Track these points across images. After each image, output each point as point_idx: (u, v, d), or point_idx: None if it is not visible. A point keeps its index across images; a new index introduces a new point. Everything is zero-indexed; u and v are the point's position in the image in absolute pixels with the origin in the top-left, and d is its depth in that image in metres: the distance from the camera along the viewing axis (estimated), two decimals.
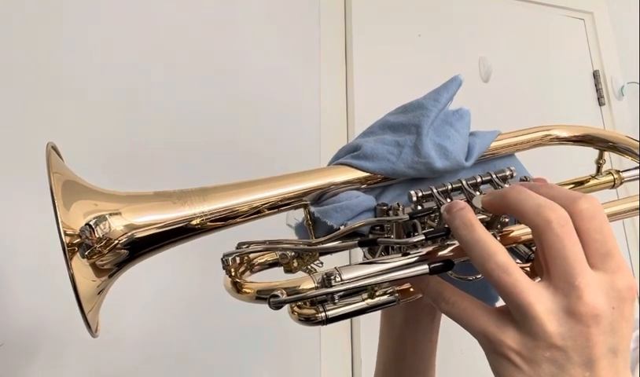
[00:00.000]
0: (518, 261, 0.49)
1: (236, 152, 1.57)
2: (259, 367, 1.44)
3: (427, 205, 0.48)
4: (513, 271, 0.37)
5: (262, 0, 1.77)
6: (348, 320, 1.58)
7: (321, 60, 1.79)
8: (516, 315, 0.38)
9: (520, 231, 0.46)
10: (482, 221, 0.43)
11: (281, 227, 1.46)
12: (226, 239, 0.54)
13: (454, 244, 0.44)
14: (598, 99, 2.16)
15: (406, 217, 0.46)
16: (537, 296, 0.37)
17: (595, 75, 2.18)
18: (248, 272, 0.52)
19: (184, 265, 1.42)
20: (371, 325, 1.39)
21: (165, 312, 1.39)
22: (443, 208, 0.44)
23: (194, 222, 0.47)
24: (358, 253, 0.54)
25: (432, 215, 0.49)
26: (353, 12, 1.89)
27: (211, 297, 1.41)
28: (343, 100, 1.80)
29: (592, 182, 0.65)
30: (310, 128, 1.70)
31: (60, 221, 0.40)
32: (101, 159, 1.38)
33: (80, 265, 0.41)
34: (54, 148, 0.46)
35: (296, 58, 1.76)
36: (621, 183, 0.65)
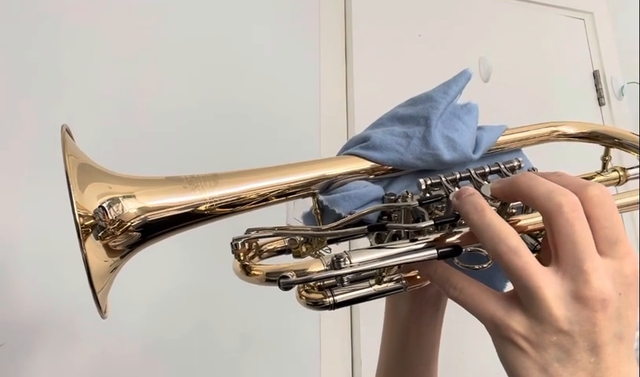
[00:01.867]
0: None
1: (235, 152, 1.57)
2: (259, 367, 1.45)
3: (435, 193, 0.48)
4: (524, 253, 0.38)
5: (262, 2, 1.77)
6: (349, 320, 1.59)
7: (322, 59, 1.80)
8: (524, 299, 0.38)
9: (527, 220, 0.46)
10: None
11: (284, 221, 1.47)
12: (231, 234, 0.54)
13: (463, 230, 0.44)
14: (598, 99, 2.17)
15: (415, 203, 0.46)
16: (546, 280, 0.37)
17: (595, 75, 2.19)
18: (256, 259, 0.53)
19: (187, 264, 1.43)
20: (371, 325, 1.40)
21: (166, 311, 1.39)
22: (452, 195, 0.44)
23: (203, 208, 0.47)
24: (362, 245, 0.55)
25: (440, 205, 0.49)
26: (353, 12, 1.89)
27: (212, 296, 1.42)
28: (344, 100, 1.80)
29: (597, 179, 0.65)
30: (310, 128, 1.71)
31: (74, 202, 0.40)
32: (98, 157, 1.38)
33: (93, 245, 0.41)
34: (68, 131, 0.46)
35: (295, 58, 1.77)
36: (627, 180, 0.66)
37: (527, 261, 0.38)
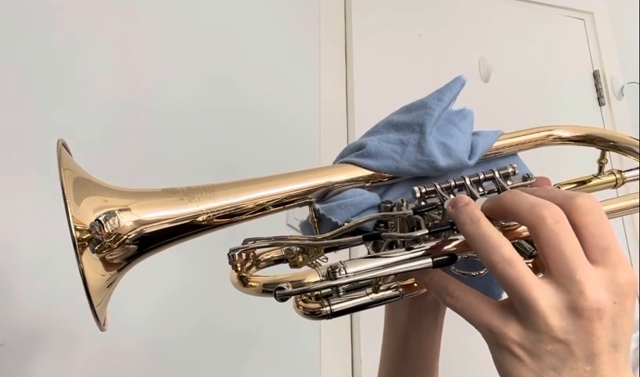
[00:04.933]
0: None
1: (236, 152, 1.57)
2: (259, 367, 1.45)
3: (430, 201, 0.48)
4: (518, 264, 0.38)
5: (262, 1, 1.77)
6: (349, 321, 1.59)
7: (321, 60, 1.80)
8: (520, 308, 0.38)
9: (523, 227, 0.47)
10: None
11: (283, 229, 1.47)
12: (230, 241, 0.54)
13: (458, 239, 0.45)
14: (598, 99, 2.16)
15: (410, 212, 0.47)
16: (540, 291, 0.37)
17: (595, 75, 2.19)
18: (253, 269, 0.53)
19: (186, 266, 1.43)
20: (371, 325, 1.40)
21: (166, 313, 1.40)
22: (446, 203, 0.44)
23: (200, 219, 0.48)
24: (361, 252, 0.55)
25: (436, 211, 0.49)
26: (353, 13, 1.89)
27: (212, 298, 1.42)
28: (343, 100, 1.81)
29: (594, 182, 0.65)
30: (310, 128, 1.71)
31: (70, 216, 0.40)
32: (99, 160, 1.38)
33: (90, 259, 0.42)
34: (64, 145, 0.47)
35: (296, 58, 1.77)
36: (623, 183, 0.66)
37: (521, 270, 0.38)
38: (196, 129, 1.55)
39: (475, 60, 2.01)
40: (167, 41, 1.60)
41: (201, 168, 1.50)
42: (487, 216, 0.44)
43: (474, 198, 0.48)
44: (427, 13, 2.03)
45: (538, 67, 2.10)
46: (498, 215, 0.44)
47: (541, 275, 0.39)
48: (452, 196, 0.49)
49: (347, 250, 0.59)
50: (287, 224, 1.46)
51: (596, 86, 2.18)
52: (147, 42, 1.58)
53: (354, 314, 1.57)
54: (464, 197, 0.44)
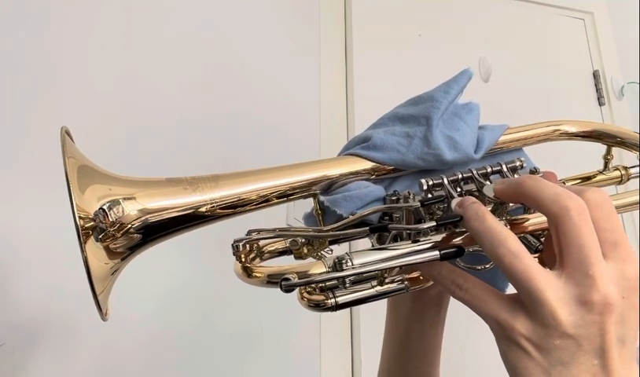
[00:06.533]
0: None
1: (236, 153, 1.57)
2: (260, 367, 1.44)
3: (437, 193, 0.48)
4: (524, 256, 0.38)
5: (262, 1, 1.77)
6: (349, 320, 1.58)
7: (321, 59, 1.79)
8: (527, 302, 0.38)
9: (530, 221, 0.46)
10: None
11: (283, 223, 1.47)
12: (233, 231, 0.54)
13: (465, 232, 0.44)
14: (598, 99, 2.16)
15: (417, 204, 0.46)
16: (548, 283, 0.37)
17: (595, 75, 2.19)
18: (257, 260, 0.52)
19: (187, 262, 1.42)
20: (372, 325, 1.39)
21: (168, 311, 1.39)
22: (454, 203, 0.44)
23: (204, 209, 0.47)
24: (361, 246, 0.54)
25: (442, 205, 0.49)
26: (353, 12, 1.89)
27: (212, 296, 1.42)
28: (343, 100, 1.80)
29: (599, 177, 0.65)
30: (310, 128, 1.71)
31: (75, 204, 0.40)
32: (99, 158, 1.38)
33: (94, 247, 0.41)
34: (67, 133, 0.46)
35: (296, 57, 1.76)
36: (628, 179, 0.66)
37: (527, 263, 0.37)
38: (195, 130, 1.55)
39: (475, 60, 2.00)
40: (167, 42, 1.60)
41: (200, 169, 1.49)
42: (499, 197, 0.44)
43: (481, 191, 0.47)
44: (427, 13, 2.03)
45: (538, 67, 2.10)
46: (512, 198, 0.44)
47: (548, 269, 0.39)
48: (459, 189, 0.49)
49: (348, 243, 0.59)
50: (287, 223, 1.46)
51: (596, 85, 2.18)
52: (147, 41, 1.57)
53: (355, 313, 1.57)
54: (470, 197, 0.44)
